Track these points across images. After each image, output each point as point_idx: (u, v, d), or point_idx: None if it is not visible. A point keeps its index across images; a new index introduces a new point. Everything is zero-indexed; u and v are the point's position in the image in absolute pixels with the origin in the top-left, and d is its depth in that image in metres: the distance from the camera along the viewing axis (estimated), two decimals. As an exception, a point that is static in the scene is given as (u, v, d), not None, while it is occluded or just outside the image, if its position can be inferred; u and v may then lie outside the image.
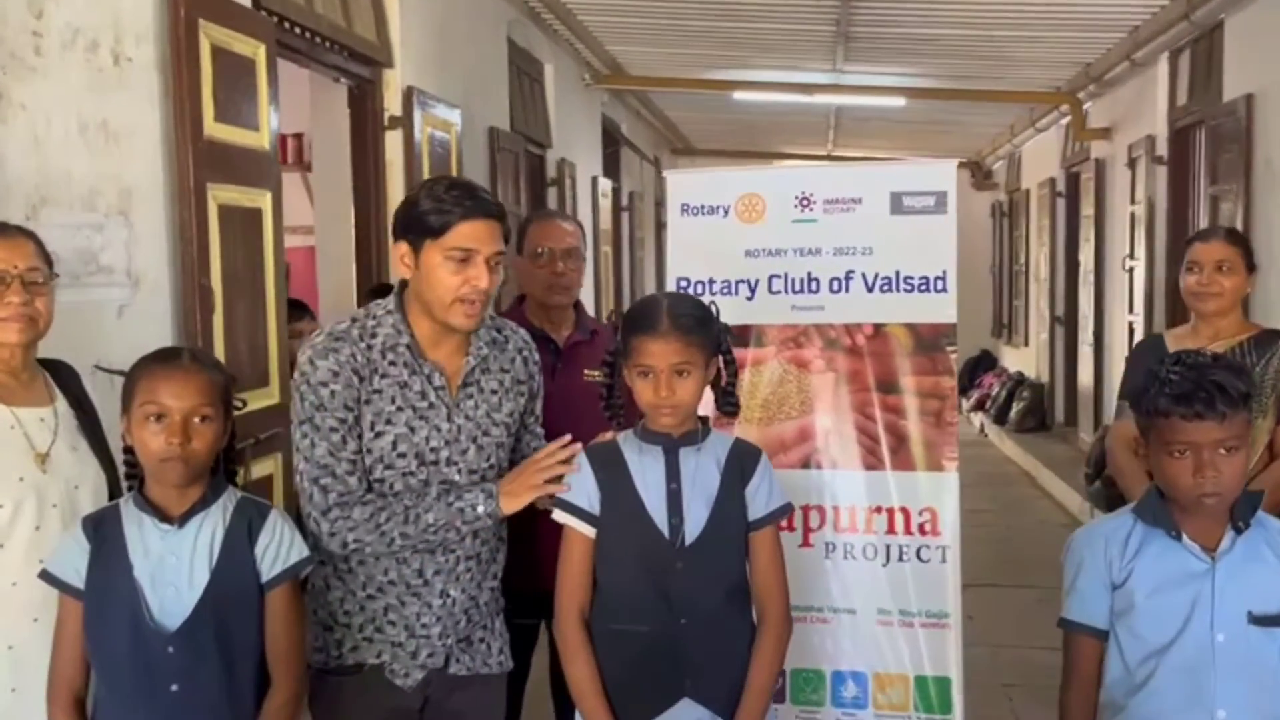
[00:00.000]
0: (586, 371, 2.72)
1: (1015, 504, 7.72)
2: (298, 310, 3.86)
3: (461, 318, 1.99)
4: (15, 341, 1.88)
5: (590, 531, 1.97)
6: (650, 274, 11.68)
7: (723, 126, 11.13)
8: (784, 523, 2.10)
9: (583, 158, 7.95)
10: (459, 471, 2.05)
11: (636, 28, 6.95)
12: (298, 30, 3.59)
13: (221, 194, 2.94)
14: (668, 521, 1.93)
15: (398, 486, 2.01)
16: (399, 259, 2.05)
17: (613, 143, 9.49)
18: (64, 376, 2.03)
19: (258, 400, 2.84)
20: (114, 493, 1.99)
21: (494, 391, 2.11)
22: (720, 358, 2.01)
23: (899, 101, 8.06)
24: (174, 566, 1.80)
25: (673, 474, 1.96)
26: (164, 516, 1.81)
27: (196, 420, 1.80)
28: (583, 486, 1.98)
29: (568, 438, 2.00)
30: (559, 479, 1.98)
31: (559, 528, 2.02)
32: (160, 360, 1.83)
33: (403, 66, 4.40)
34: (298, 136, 6.27)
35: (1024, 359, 11.56)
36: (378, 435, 1.99)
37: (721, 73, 8.06)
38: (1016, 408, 10.41)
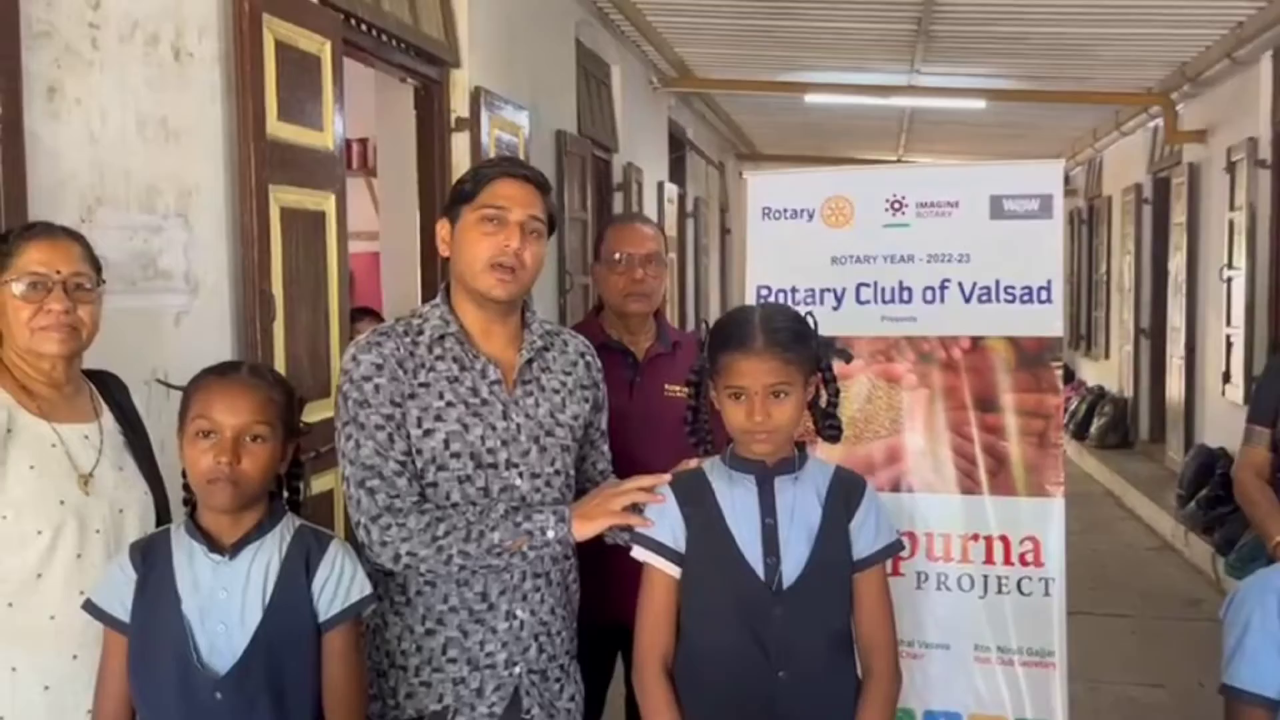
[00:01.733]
0: (667, 387, 2.55)
1: (1100, 525, 7.39)
2: (363, 315, 3.77)
3: (494, 283, 1.84)
4: (55, 353, 1.75)
5: (674, 571, 1.78)
6: (715, 282, 11.53)
7: (789, 131, 10.98)
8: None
9: (649, 162, 7.87)
10: (520, 475, 1.87)
11: (706, 28, 6.82)
12: (364, 28, 3.51)
13: (284, 196, 2.85)
14: (763, 561, 1.74)
15: (454, 495, 1.83)
16: (440, 240, 1.93)
17: (678, 147, 9.41)
18: (111, 389, 1.90)
19: (318, 412, 2.71)
20: (162, 517, 1.86)
21: (556, 391, 1.95)
22: (820, 375, 1.82)
23: (979, 104, 7.80)
24: (224, 602, 1.65)
25: (768, 507, 1.76)
26: (215, 545, 1.67)
27: (248, 439, 1.66)
28: (665, 520, 1.78)
29: (667, 478, 1.82)
30: (639, 508, 1.81)
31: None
32: (216, 373, 1.70)
33: (470, 67, 4.33)
34: (363, 141, 6.26)
35: (1105, 372, 11.17)
36: (427, 433, 1.82)
37: (792, 74, 7.90)
38: (1097, 423, 10.06)
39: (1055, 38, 6.28)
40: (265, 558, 1.68)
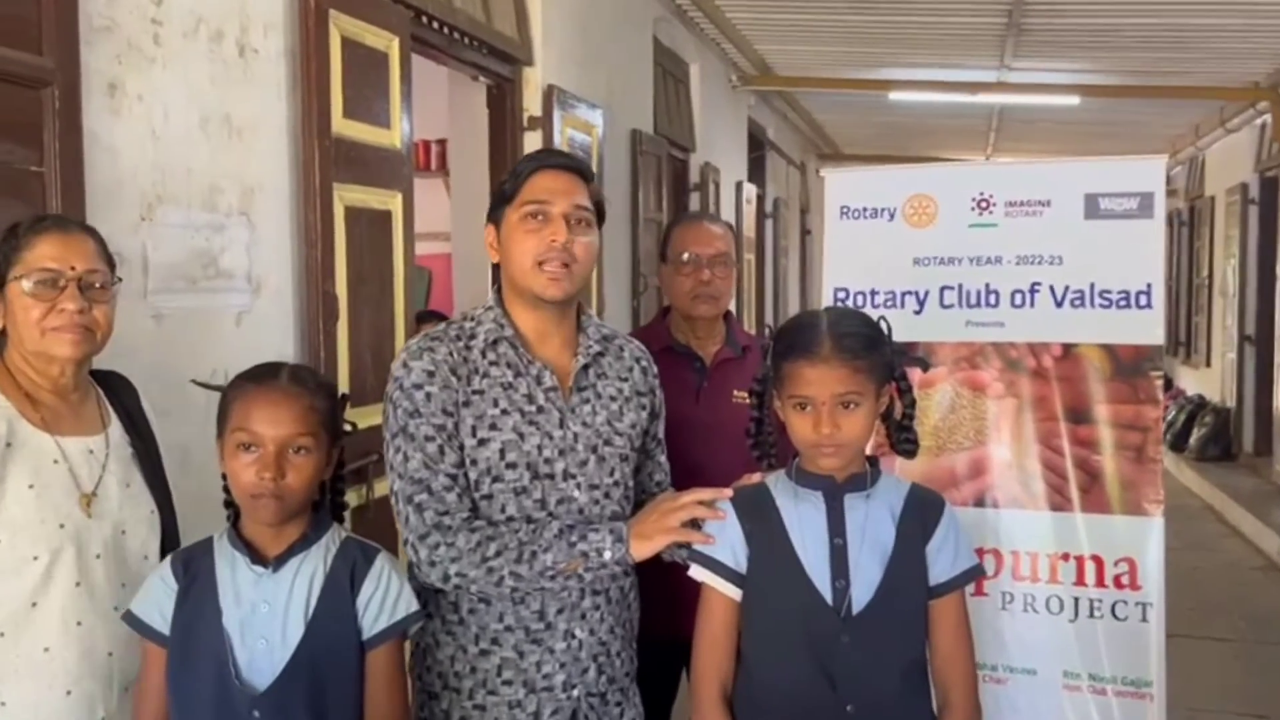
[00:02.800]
0: (736, 393, 2.43)
1: (1200, 542, 7.03)
2: (430, 320, 3.73)
3: (545, 282, 1.75)
4: (68, 355, 1.62)
5: (735, 593, 1.66)
6: (795, 284, 11.36)
7: (872, 130, 10.79)
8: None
9: (727, 162, 7.75)
10: (579, 486, 1.77)
11: (787, 25, 6.69)
12: (435, 25, 3.47)
13: (349, 195, 2.81)
14: (831, 585, 1.61)
15: (509, 508, 1.74)
16: (488, 246, 1.85)
17: (758, 147, 9.29)
18: (119, 393, 1.77)
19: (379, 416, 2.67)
20: (169, 536, 1.76)
21: (613, 398, 1.85)
22: (894, 385, 1.68)
23: (1073, 100, 7.50)
24: (266, 616, 1.57)
25: (837, 526, 1.63)
26: (259, 556, 1.60)
27: (292, 451, 1.57)
28: (726, 538, 1.67)
29: (728, 492, 1.71)
30: (698, 524, 1.69)
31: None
32: (255, 380, 1.61)
33: (544, 64, 4.27)
34: (441, 142, 6.21)
35: (1205, 380, 10.69)
36: (481, 443, 1.73)
37: (875, 72, 7.73)
38: (1197, 434, 9.62)
39: (1154, 29, 6.00)
40: (309, 571, 1.61)
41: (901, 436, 1.70)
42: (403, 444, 1.72)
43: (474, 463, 1.74)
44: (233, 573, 1.59)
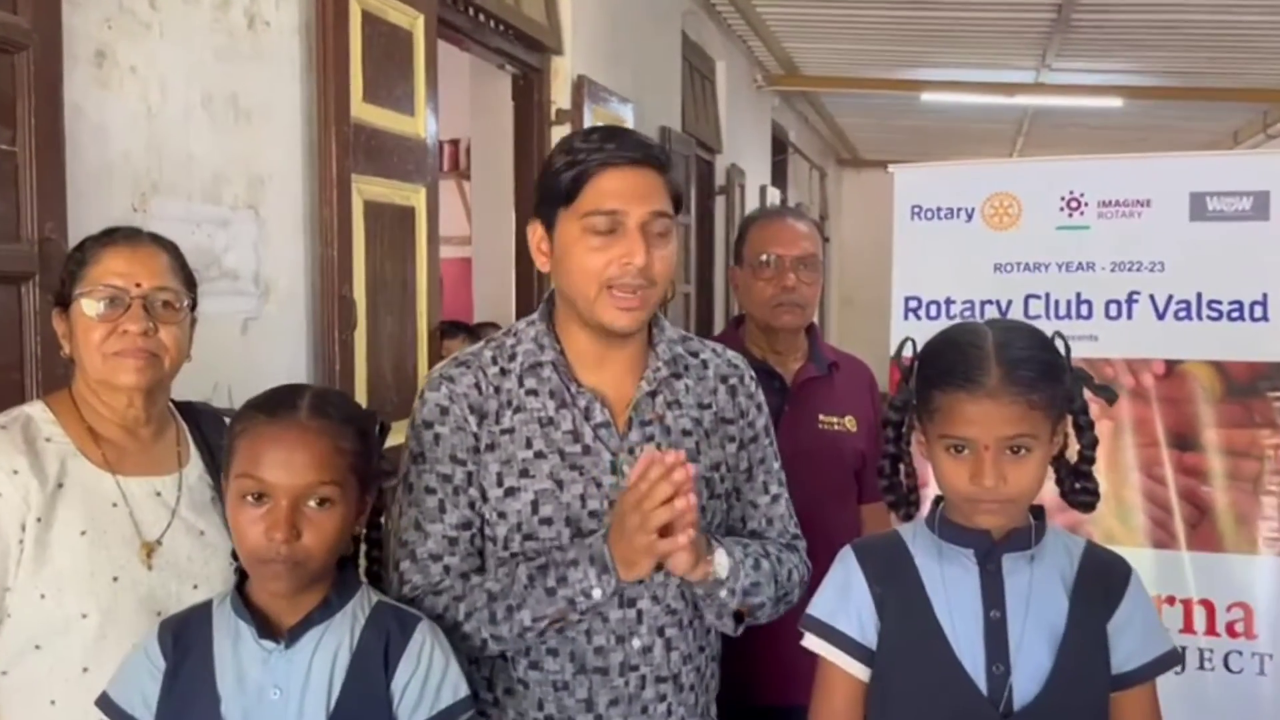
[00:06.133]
0: (822, 418, 2.19)
1: None
2: (456, 332, 3.52)
3: (615, 312, 1.43)
4: (132, 384, 1.44)
5: (862, 673, 1.36)
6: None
7: (894, 134, 10.61)
8: None
9: (752, 165, 7.53)
10: None
11: (818, 20, 6.47)
12: (460, 5, 3.24)
13: (368, 188, 2.57)
14: (986, 670, 1.30)
15: None
16: (535, 246, 1.49)
17: (780, 150, 9.07)
18: (203, 427, 1.57)
19: (403, 434, 2.43)
20: None
21: (686, 432, 1.51)
22: (1070, 419, 1.37)
23: (1115, 102, 7.24)
24: (277, 705, 1.27)
25: (994, 595, 1.33)
26: (268, 629, 1.30)
27: (312, 504, 1.28)
28: (851, 602, 1.37)
29: (673, 456, 1.30)
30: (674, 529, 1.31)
31: (792, 616, 1.44)
32: (267, 412, 1.32)
33: (573, 54, 4.04)
34: (454, 142, 6.07)
35: None
36: (509, 493, 1.44)
37: (906, 72, 7.51)
38: None
39: (1208, 28, 5.73)
40: (332, 646, 1.30)
41: (1077, 485, 1.38)
42: (400, 495, 1.46)
43: (502, 516, 1.44)
44: (235, 648, 1.29)
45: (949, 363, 1.32)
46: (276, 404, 1.31)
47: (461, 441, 1.44)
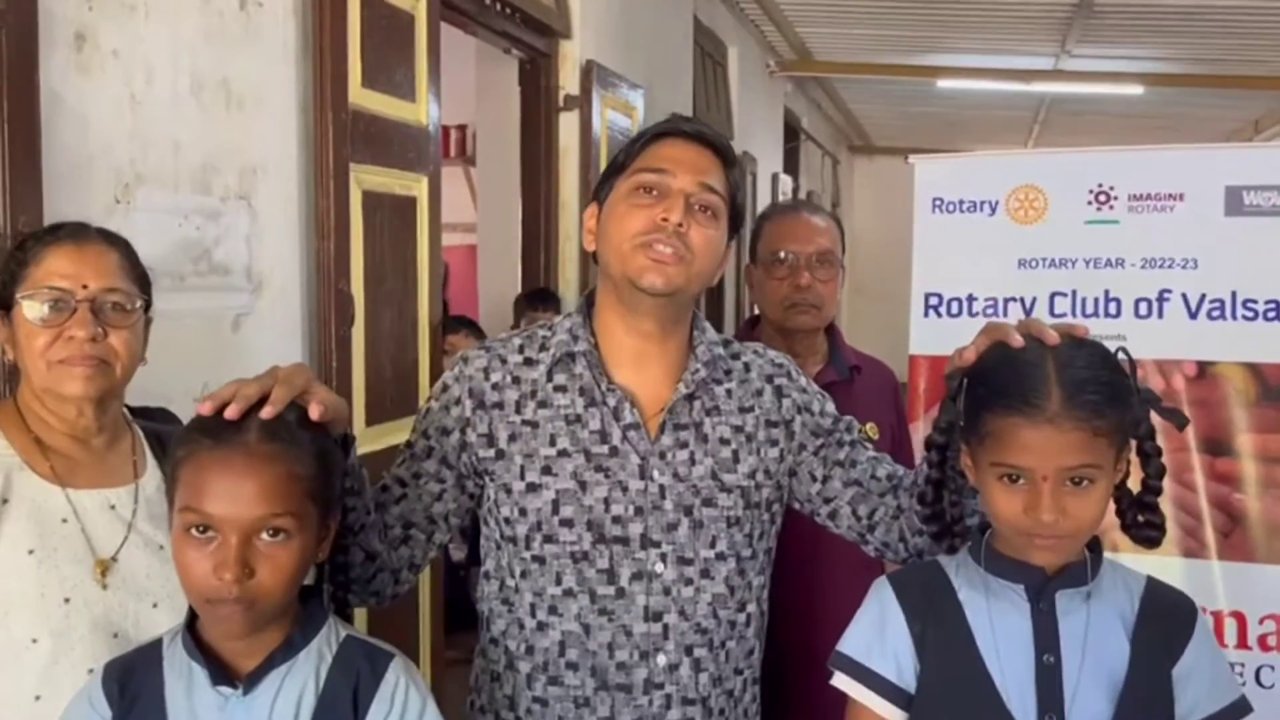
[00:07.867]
0: None
1: None
2: (460, 327, 3.49)
3: (647, 264, 1.38)
4: (80, 394, 1.36)
5: (899, 718, 1.26)
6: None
7: (907, 122, 10.67)
8: None
9: (764, 152, 7.57)
10: (664, 559, 1.39)
11: (833, 5, 6.48)
12: (464, -13, 3.17)
13: (367, 177, 2.53)
14: (1038, 719, 1.21)
15: (566, 578, 1.39)
16: (587, 231, 1.50)
17: (793, 137, 9.11)
18: (161, 435, 1.49)
19: (403, 433, 2.39)
20: None
21: (724, 440, 1.45)
22: (1135, 445, 1.26)
23: (1136, 89, 7.16)
24: None
25: (1047, 637, 1.22)
26: (224, 673, 1.19)
27: (266, 536, 1.16)
28: (887, 641, 1.26)
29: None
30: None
31: (821, 647, 1.35)
32: (212, 435, 1.18)
33: (582, 38, 4.00)
34: (461, 128, 6.08)
35: None
36: (531, 489, 1.41)
37: (921, 58, 7.50)
38: None
39: (1235, 13, 5.69)
40: (295, 690, 1.19)
41: (1141, 518, 1.27)
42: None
43: (523, 513, 1.41)
44: (189, 694, 1.18)
45: (1004, 383, 1.22)
46: (222, 426, 1.19)
47: (440, 420, 1.45)
